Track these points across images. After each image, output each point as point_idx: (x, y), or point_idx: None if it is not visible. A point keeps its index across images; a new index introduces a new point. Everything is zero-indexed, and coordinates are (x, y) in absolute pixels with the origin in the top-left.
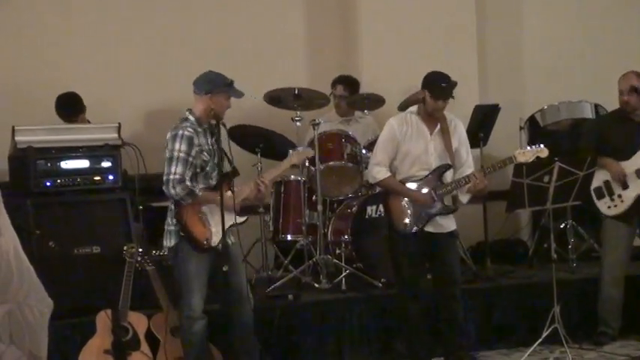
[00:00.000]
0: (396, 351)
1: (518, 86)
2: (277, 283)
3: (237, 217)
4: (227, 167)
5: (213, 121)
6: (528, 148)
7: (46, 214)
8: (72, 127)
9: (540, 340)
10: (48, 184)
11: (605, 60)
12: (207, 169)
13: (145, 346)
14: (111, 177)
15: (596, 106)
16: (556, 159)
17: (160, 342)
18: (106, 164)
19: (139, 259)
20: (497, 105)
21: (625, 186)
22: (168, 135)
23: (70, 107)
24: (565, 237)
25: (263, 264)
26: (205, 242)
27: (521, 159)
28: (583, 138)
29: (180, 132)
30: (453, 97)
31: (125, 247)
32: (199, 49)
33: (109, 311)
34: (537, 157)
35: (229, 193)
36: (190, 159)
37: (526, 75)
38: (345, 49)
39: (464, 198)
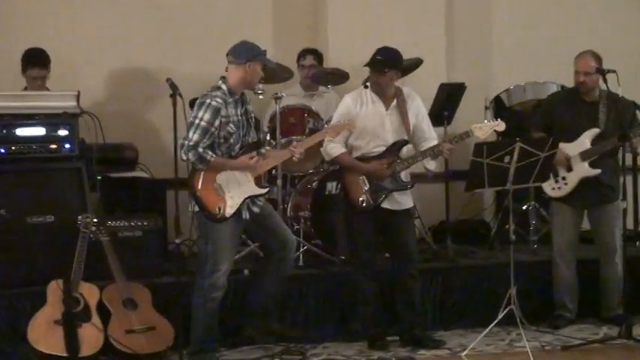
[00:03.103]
0: (352, 329)
1: (485, 66)
2: (241, 254)
3: (258, 188)
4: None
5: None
6: (485, 121)
7: None
8: (29, 95)
9: (496, 321)
10: (2, 150)
11: (573, 41)
12: (231, 140)
13: (95, 318)
14: (67, 145)
15: (563, 88)
16: (517, 139)
17: (112, 314)
18: (62, 132)
19: (94, 229)
20: (463, 84)
21: (569, 169)
22: (197, 101)
23: (38, 58)
24: (527, 219)
25: None
26: (217, 211)
27: (478, 133)
28: (532, 116)
29: (208, 101)
30: (384, 72)
31: (80, 217)
32: (166, 18)
33: (60, 281)
34: (495, 131)
35: (252, 160)
36: (213, 129)
37: (494, 55)
38: (311, 24)
39: (430, 165)
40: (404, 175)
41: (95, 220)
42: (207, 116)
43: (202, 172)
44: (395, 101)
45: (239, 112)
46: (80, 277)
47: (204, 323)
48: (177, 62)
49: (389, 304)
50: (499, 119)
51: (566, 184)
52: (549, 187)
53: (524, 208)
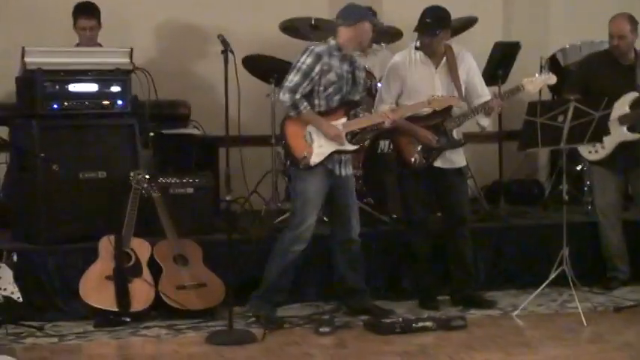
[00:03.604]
0: (403, 288)
1: (541, 24)
2: (285, 215)
3: (348, 145)
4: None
5: (357, 52)
6: (537, 75)
7: (51, 138)
8: (82, 51)
9: (547, 281)
10: (55, 106)
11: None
12: (330, 89)
13: (146, 273)
14: (120, 102)
15: None
16: (572, 98)
17: (163, 270)
18: (115, 89)
19: (146, 185)
20: (518, 42)
21: (607, 132)
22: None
23: (86, 8)
24: (582, 179)
25: (273, 195)
26: (303, 158)
27: (529, 87)
28: (568, 80)
29: (312, 47)
30: (435, 35)
31: (132, 174)
32: None
33: (111, 237)
34: (550, 90)
35: (342, 120)
36: (313, 74)
37: (550, 13)
38: None
39: (484, 121)
40: (456, 133)
41: (147, 176)
42: (308, 60)
43: (293, 120)
44: (444, 59)
45: (344, 68)
46: (132, 232)
47: (277, 272)
48: (230, 18)
49: (441, 263)
50: (550, 73)
51: (603, 147)
52: (586, 151)
53: (578, 168)
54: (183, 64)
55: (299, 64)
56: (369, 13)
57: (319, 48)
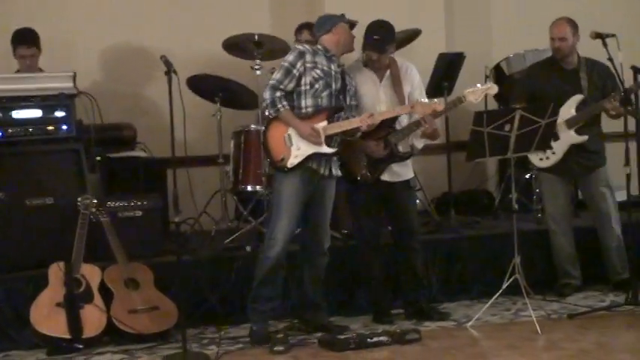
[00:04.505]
0: (357, 303)
1: (484, 35)
2: (236, 234)
3: (326, 147)
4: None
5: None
6: (478, 86)
7: None
8: (25, 77)
9: (501, 291)
10: None
11: (572, 9)
12: (317, 86)
13: (98, 299)
14: (65, 127)
15: None
16: (517, 107)
17: (114, 294)
18: (59, 114)
19: (94, 210)
20: (462, 53)
21: (556, 137)
22: None
23: (25, 36)
24: (531, 187)
25: (223, 215)
26: (280, 160)
27: (471, 97)
28: (514, 89)
29: (296, 46)
30: (383, 52)
31: (79, 199)
32: None
33: (61, 263)
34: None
35: (323, 123)
36: (294, 70)
37: (493, 23)
38: None
39: (419, 143)
40: (402, 146)
41: (95, 200)
42: (290, 57)
43: (276, 122)
44: (388, 72)
45: (332, 67)
46: (81, 258)
47: (258, 280)
48: (173, 39)
49: (393, 277)
50: (491, 82)
51: (554, 153)
52: (537, 159)
53: (527, 177)
54: (127, 86)
55: (283, 62)
56: (342, 16)
57: (301, 47)
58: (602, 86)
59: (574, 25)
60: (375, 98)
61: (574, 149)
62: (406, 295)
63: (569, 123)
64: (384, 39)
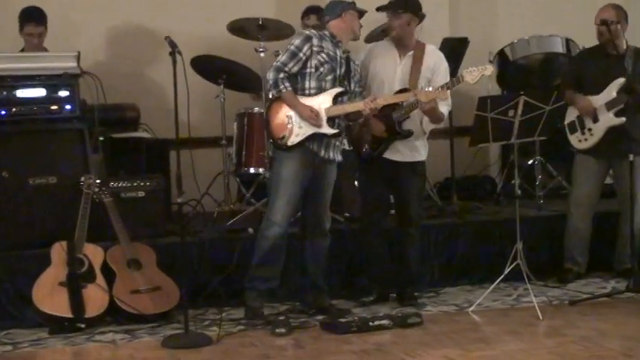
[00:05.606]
0: (358, 285)
1: (489, 20)
2: (238, 217)
3: (326, 127)
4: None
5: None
6: (475, 67)
7: (0, 144)
8: (29, 56)
9: (502, 276)
10: (3, 112)
11: None
12: (322, 69)
13: (100, 279)
14: (68, 107)
15: (568, 41)
16: (521, 93)
17: (117, 275)
18: (63, 93)
19: (97, 190)
20: (466, 38)
21: (595, 119)
22: None
23: (33, 14)
24: (533, 174)
25: (225, 197)
26: (281, 138)
27: (468, 78)
28: (562, 76)
29: (303, 31)
30: (398, 14)
31: (82, 178)
32: None
33: (64, 243)
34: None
35: (327, 105)
36: (300, 54)
37: (498, 8)
38: None
39: (426, 127)
40: (411, 126)
41: (98, 181)
42: (297, 41)
43: (279, 101)
44: (412, 52)
45: (338, 52)
46: (84, 238)
47: (257, 259)
48: (178, 20)
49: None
50: (488, 64)
51: (592, 134)
52: (576, 139)
53: (529, 163)
54: (131, 67)
55: (289, 46)
56: (353, 3)
57: (309, 32)
58: None
59: (620, 12)
60: (391, 74)
61: (614, 133)
62: (397, 279)
63: (609, 105)
64: (399, 2)
